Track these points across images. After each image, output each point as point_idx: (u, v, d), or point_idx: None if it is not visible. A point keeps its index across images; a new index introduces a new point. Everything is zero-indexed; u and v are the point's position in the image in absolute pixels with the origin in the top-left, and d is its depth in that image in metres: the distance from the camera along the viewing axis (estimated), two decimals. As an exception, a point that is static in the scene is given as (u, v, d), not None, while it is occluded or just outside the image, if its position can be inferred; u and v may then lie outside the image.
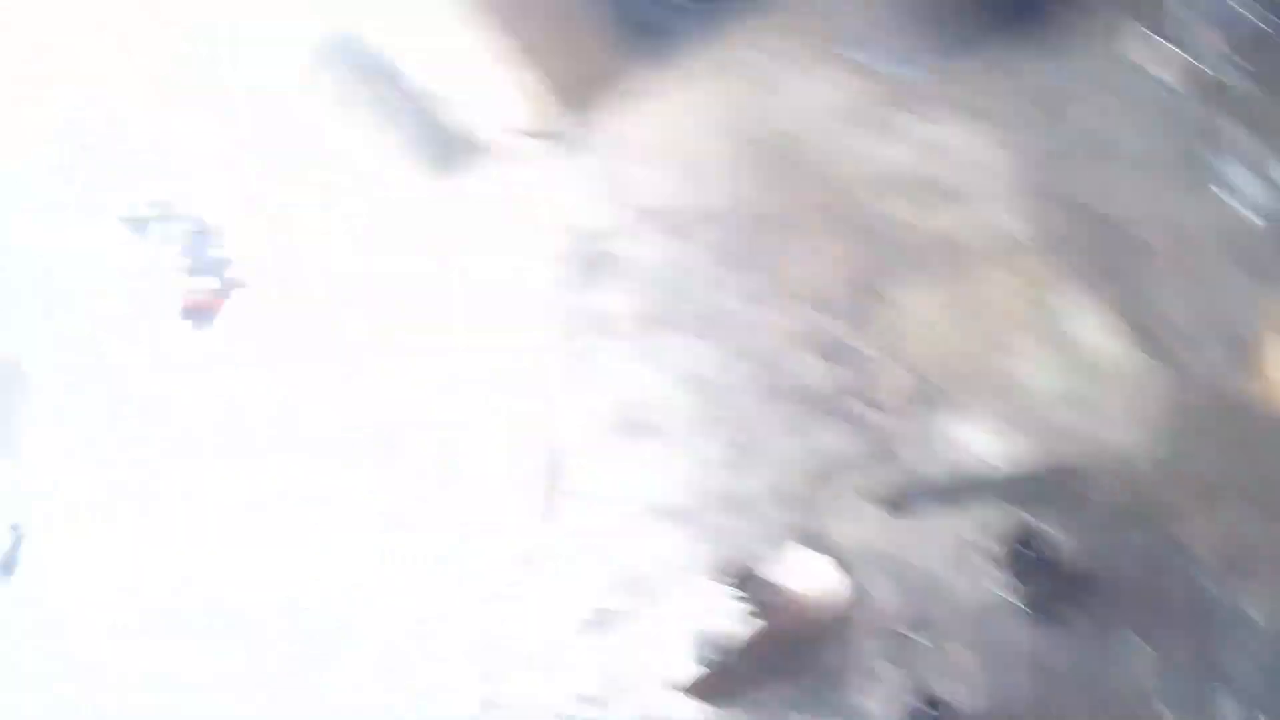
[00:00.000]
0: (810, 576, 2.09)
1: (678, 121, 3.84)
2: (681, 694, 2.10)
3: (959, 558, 1.89)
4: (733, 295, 2.88)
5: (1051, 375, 2.04)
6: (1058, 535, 1.68)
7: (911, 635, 1.89)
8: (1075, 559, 1.68)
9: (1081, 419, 1.95)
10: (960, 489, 2.00)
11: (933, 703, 1.81)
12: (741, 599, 2.04)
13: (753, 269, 2.90)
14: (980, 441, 2.05)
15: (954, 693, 1.83)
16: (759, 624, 2.01)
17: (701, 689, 2.08)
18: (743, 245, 3.02)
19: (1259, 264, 2.08)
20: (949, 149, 2.73)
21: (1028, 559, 1.71)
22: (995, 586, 1.81)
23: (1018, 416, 2.03)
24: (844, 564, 2.06)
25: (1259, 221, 2.12)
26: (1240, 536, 1.74)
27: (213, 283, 6.82)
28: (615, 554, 2.55)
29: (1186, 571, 1.66)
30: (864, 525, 2.10)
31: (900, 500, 2.06)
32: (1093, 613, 1.69)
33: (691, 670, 2.06)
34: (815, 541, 2.15)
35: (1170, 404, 1.90)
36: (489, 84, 4.77)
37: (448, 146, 5.61)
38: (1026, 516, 1.81)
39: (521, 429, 3.14)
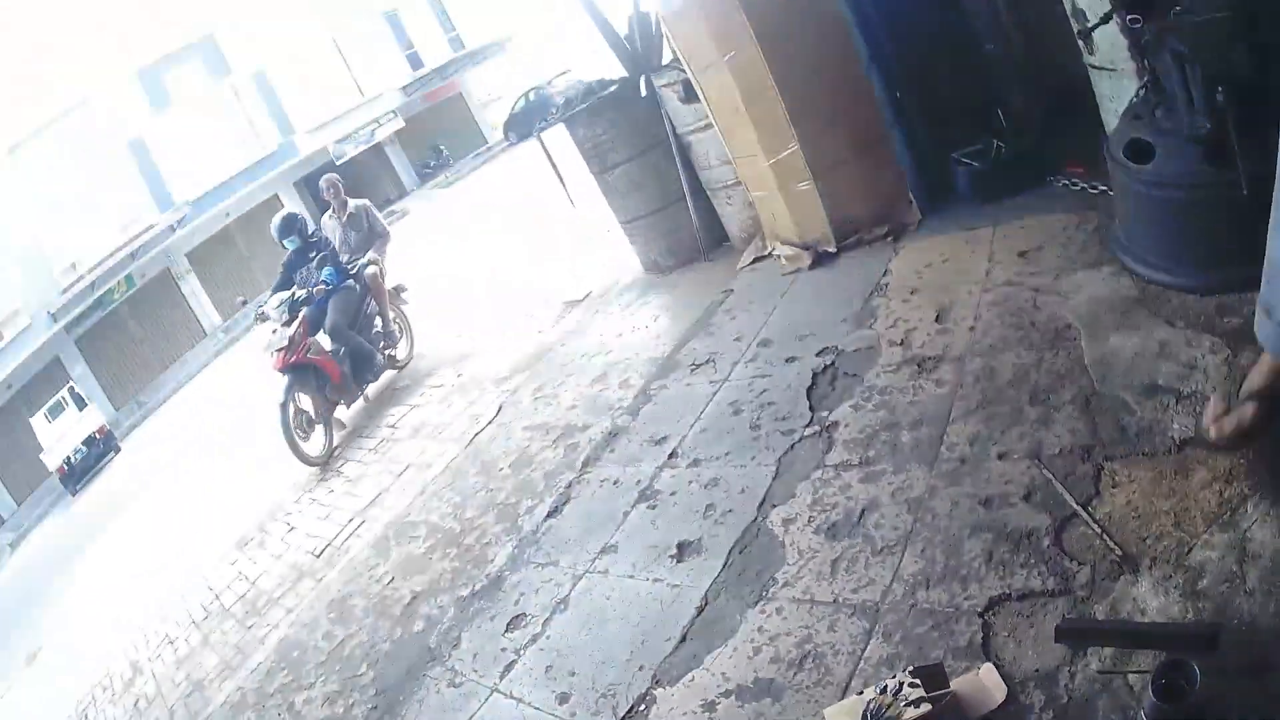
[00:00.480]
0: (972, 677, 2.45)
1: (943, 270, 4.33)
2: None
3: (1104, 682, 2.22)
4: (959, 434, 3.31)
5: (1220, 556, 2.35)
6: (1195, 673, 1.99)
7: (1050, 743, 2.22)
8: (1200, 699, 1.98)
9: (1231, 591, 2.25)
10: (1127, 634, 2.32)
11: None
12: (914, 685, 2.42)
13: (984, 416, 3.32)
14: (1149, 599, 2.37)
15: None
16: (925, 710, 2.38)
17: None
18: (979, 393, 3.45)
19: None
20: (1179, 351, 3.08)
21: (1163, 690, 2.02)
22: (1132, 711, 2.12)
23: (1184, 584, 2.35)
24: (1003, 670, 2.41)
25: None
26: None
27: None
28: (793, 634, 2.97)
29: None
30: (1028, 645, 2.45)
31: (1077, 638, 2.39)
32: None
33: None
34: (984, 649, 2.52)
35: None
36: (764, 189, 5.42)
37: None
38: (1168, 656, 2.12)
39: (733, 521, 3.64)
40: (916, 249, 4.90)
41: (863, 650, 2.73)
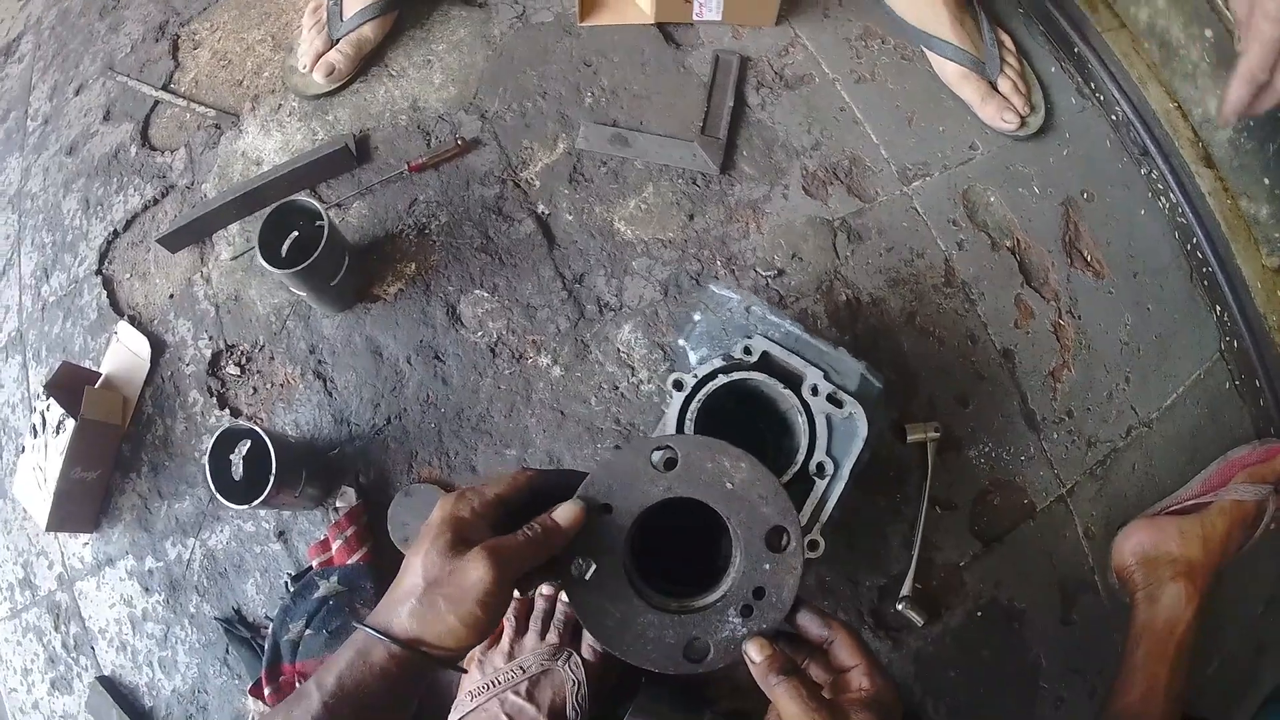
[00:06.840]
0: (113, 347, 1.97)
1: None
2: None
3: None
4: (38, 98, 2.64)
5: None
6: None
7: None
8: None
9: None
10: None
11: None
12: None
13: (59, 64, 2.65)
14: (259, 137, 2.01)
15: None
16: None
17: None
18: (53, 44, 2.77)
19: None
20: None
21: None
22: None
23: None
24: (137, 321, 1.96)
25: None
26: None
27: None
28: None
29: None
30: (139, 281, 2.00)
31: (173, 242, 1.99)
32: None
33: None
34: (114, 308, 2.04)
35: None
36: None
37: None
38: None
39: None
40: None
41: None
